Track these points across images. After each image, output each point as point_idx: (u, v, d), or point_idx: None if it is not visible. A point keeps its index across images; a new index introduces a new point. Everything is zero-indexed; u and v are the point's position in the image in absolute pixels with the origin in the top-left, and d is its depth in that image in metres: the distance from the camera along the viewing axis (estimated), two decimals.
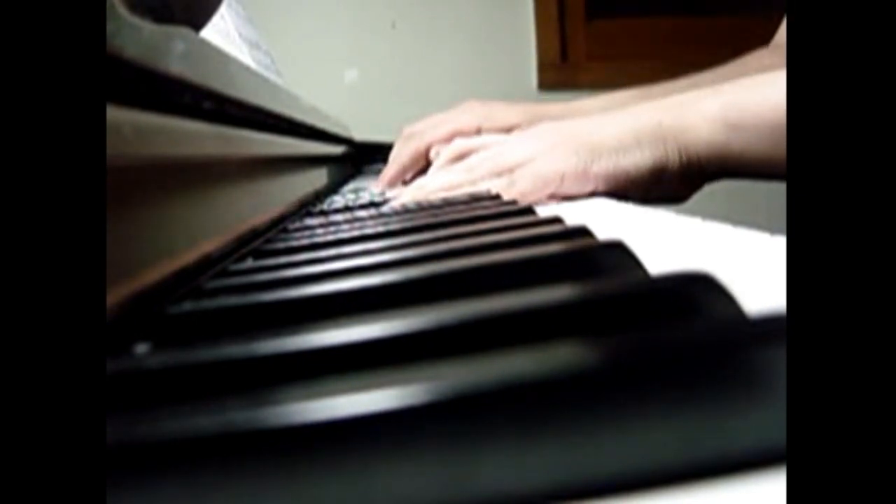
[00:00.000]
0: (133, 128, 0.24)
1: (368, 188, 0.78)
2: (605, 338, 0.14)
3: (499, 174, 0.53)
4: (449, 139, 0.72)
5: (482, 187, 0.53)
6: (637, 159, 0.50)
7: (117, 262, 0.22)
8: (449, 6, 1.78)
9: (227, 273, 0.31)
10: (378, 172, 1.27)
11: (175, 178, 0.29)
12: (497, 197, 0.50)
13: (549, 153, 0.51)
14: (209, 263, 0.31)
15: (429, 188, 0.55)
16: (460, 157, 0.60)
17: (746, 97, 0.49)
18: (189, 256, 0.29)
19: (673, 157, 0.50)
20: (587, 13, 1.81)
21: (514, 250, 0.25)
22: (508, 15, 1.77)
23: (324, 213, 0.55)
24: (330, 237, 0.38)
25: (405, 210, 0.48)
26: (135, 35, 0.24)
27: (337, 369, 0.16)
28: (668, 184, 0.52)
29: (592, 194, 0.51)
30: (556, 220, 0.33)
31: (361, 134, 1.29)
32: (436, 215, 0.41)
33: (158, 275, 0.25)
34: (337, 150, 0.97)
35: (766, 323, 0.13)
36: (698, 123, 0.50)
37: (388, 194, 0.61)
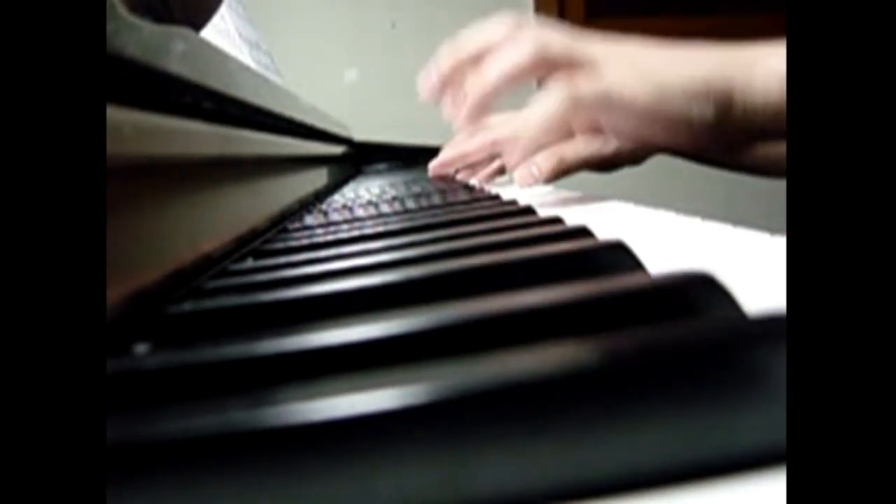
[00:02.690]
0: (133, 128, 0.24)
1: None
2: (605, 338, 0.14)
3: (566, 57, 0.48)
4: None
5: (550, 51, 0.47)
6: (702, 109, 0.47)
7: (117, 262, 0.22)
8: (449, 6, 1.78)
9: (227, 273, 0.31)
10: (378, 172, 1.28)
11: (175, 178, 0.29)
12: (497, 197, 0.50)
13: (620, 72, 0.47)
14: (209, 263, 0.31)
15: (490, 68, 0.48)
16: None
17: None
18: (189, 256, 0.29)
19: (736, 113, 0.48)
20: (587, 13, 1.81)
21: (514, 250, 0.25)
22: (508, 15, 1.77)
23: (324, 213, 0.55)
24: (330, 237, 0.38)
25: (405, 210, 0.48)
26: (135, 35, 0.24)
27: (337, 369, 0.16)
28: (727, 137, 0.49)
29: (645, 141, 0.49)
30: (557, 220, 0.33)
31: (361, 134, 1.29)
32: (436, 215, 0.41)
33: (158, 275, 0.25)
34: (337, 150, 0.97)
35: (766, 323, 0.13)
36: (767, 83, 0.47)
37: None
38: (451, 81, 0.53)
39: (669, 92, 0.47)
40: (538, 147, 0.52)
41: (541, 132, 0.49)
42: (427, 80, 0.54)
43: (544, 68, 0.48)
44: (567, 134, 0.54)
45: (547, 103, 0.47)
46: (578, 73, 0.47)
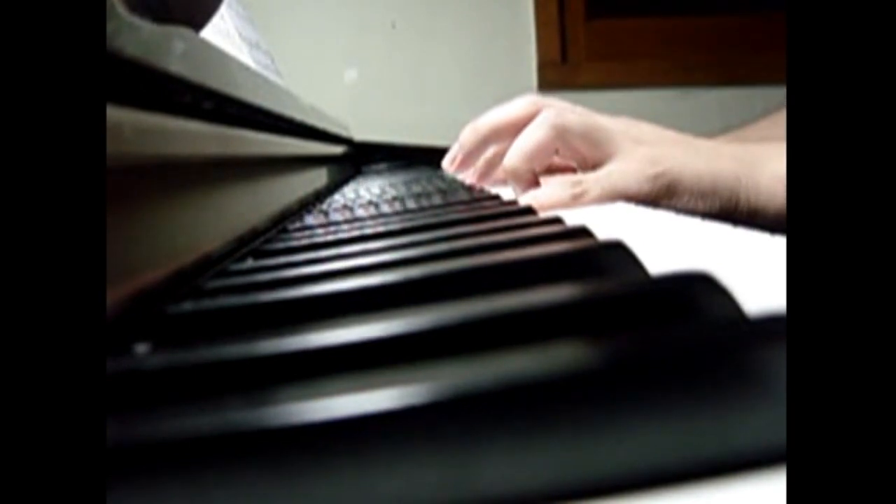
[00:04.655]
0: (133, 128, 0.24)
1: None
2: (605, 338, 0.14)
3: (584, 141, 0.51)
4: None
5: (569, 131, 0.50)
6: (707, 207, 0.50)
7: (117, 262, 0.22)
8: (449, 6, 1.78)
9: (227, 273, 0.31)
10: (378, 172, 1.28)
11: (175, 178, 0.29)
12: (497, 197, 0.50)
13: (631, 164, 0.49)
14: (209, 263, 0.31)
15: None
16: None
17: None
18: (189, 256, 0.29)
19: (740, 214, 0.50)
20: (587, 13, 1.81)
21: (514, 250, 0.25)
22: (508, 15, 1.78)
23: (324, 213, 0.55)
24: (330, 237, 0.38)
25: (405, 210, 0.48)
26: (135, 35, 0.24)
27: (337, 369, 0.16)
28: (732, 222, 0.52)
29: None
30: (557, 220, 0.33)
31: (361, 134, 1.29)
32: (436, 215, 0.41)
33: (158, 275, 0.25)
34: (337, 150, 0.97)
35: (766, 323, 0.13)
36: (773, 187, 0.50)
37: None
38: (471, 157, 0.60)
39: (678, 189, 0.49)
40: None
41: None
42: (451, 156, 0.61)
43: (563, 146, 0.52)
44: None
45: (553, 192, 0.49)
46: (588, 159, 0.51)
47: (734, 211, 0.50)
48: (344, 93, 1.76)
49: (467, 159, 0.60)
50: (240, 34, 0.80)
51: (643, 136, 0.52)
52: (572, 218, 0.34)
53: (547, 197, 0.49)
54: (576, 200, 0.49)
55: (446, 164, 0.61)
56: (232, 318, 0.22)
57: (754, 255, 0.25)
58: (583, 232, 0.28)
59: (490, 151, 0.61)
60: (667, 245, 0.29)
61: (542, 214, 0.37)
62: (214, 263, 0.32)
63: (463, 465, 0.12)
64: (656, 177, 0.49)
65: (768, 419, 0.12)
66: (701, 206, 0.50)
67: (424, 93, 1.75)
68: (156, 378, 0.16)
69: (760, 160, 0.52)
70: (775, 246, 0.26)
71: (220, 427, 0.12)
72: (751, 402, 0.12)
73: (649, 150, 0.51)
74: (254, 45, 0.86)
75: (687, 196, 0.50)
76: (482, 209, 0.42)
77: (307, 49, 1.75)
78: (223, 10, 0.72)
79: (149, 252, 0.25)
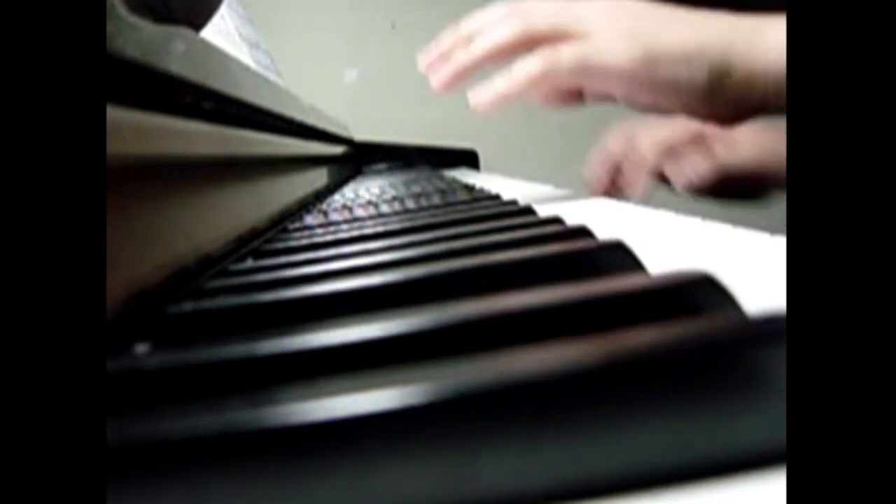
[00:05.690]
0: (133, 128, 0.24)
1: None
2: (605, 338, 0.14)
3: (552, 29, 0.48)
4: None
5: (533, 28, 0.48)
6: (693, 73, 0.47)
7: (117, 262, 0.22)
8: (449, 6, 1.77)
9: (227, 273, 0.31)
10: (378, 172, 1.28)
11: (175, 178, 0.29)
12: (497, 197, 0.50)
13: (608, 37, 0.47)
14: (209, 263, 0.31)
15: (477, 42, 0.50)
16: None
17: None
18: (189, 256, 0.29)
19: (733, 81, 0.47)
20: None
21: (514, 250, 0.25)
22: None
23: (324, 213, 0.55)
24: (330, 237, 0.38)
25: (405, 210, 0.48)
26: (135, 35, 0.24)
27: (337, 369, 0.16)
28: (719, 104, 0.48)
29: (630, 101, 0.48)
30: (556, 220, 0.33)
31: (361, 134, 1.29)
32: (435, 215, 0.41)
33: (158, 275, 0.25)
34: (337, 150, 0.97)
35: (766, 323, 0.13)
36: (772, 54, 0.46)
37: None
38: (447, 58, 0.55)
39: (658, 55, 0.46)
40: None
41: (522, 89, 0.49)
42: (427, 56, 0.56)
43: (529, 43, 0.49)
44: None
45: (524, 65, 0.48)
46: (563, 41, 0.48)
47: (727, 79, 0.47)
48: (344, 93, 1.76)
49: (442, 58, 0.56)
50: (240, 34, 0.80)
51: (623, 10, 0.50)
52: (572, 218, 0.34)
53: (518, 73, 0.47)
54: (546, 73, 0.46)
55: (421, 63, 0.57)
56: (232, 318, 0.22)
57: (754, 255, 0.25)
58: (583, 232, 0.28)
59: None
60: (667, 245, 0.29)
61: (542, 214, 0.37)
62: (214, 263, 0.32)
63: (463, 465, 0.12)
64: (637, 42, 0.46)
65: (768, 419, 0.12)
66: (686, 71, 0.46)
67: (424, 93, 1.75)
68: (156, 378, 0.16)
69: (759, 27, 0.48)
70: (775, 246, 0.26)
71: (221, 427, 0.12)
72: (751, 402, 0.12)
73: (626, 22, 0.48)
74: (254, 45, 0.86)
75: (669, 62, 0.46)
76: (482, 209, 0.42)
77: (307, 49, 1.75)
78: (223, 10, 0.72)
79: (149, 252, 0.25)
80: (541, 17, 0.49)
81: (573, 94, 0.54)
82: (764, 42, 0.47)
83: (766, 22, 0.48)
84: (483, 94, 0.50)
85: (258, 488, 0.12)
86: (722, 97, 0.48)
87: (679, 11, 0.50)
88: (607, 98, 0.52)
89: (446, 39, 0.55)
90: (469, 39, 0.53)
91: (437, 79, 0.53)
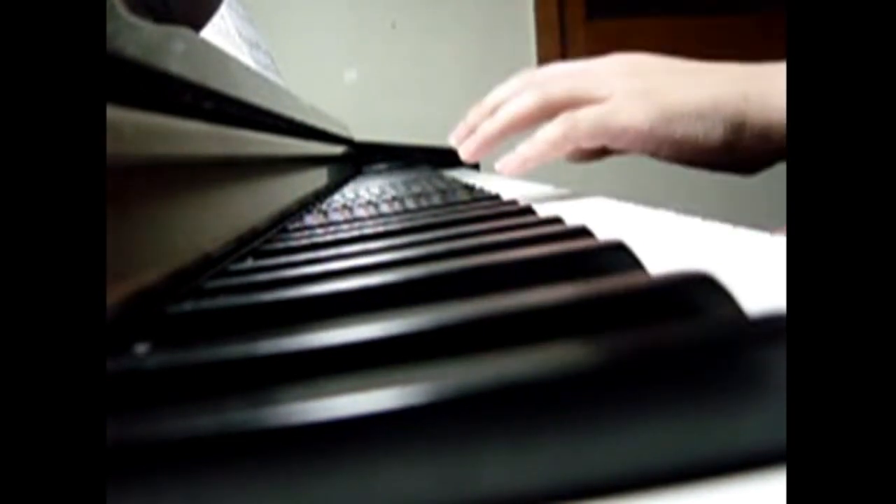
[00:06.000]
0: (133, 128, 0.24)
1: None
2: (605, 338, 0.14)
3: (570, 95, 0.50)
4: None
5: (551, 97, 0.50)
6: (709, 129, 0.48)
7: (117, 262, 0.22)
8: (449, 6, 1.78)
9: (227, 273, 0.31)
10: (378, 172, 1.28)
11: (175, 178, 0.29)
12: (497, 197, 0.50)
13: (624, 98, 0.48)
14: (209, 263, 0.31)
15: (501, 111, 0.52)
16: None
17: None
18: (189, 256, 0.29)
19: (750, 132, 0.48)
20: (587, 13, 1.81)
21: (514, 250, 0.25)
22: (508, 15, 1.78)
23: (324, 213, 0.55)
24: (330, 237, 0.38)
25: (405, 210, 0.48)
26: (135, 35, 0.24)
27: (337, 369, 0.16)
28: (739, 155, 0.49)
29: (654, 155, 0.49)
30: (557, 220, 0.33)
31: (361, 134, 1.29)
32: (436, 215, 0.41)
33: (158, 275, 0.25)
34: (337, 150, 0.97)
35: (766, 323, 0.13)
36: (784, 100, 0.47)
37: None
38: (473, 130, 0.58)
39: (674, 114, 0.48)
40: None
41: (545, 153, 0.51)
42: (456, 133, 0.60)
43: (549, 110, 0.51)
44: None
45: (545, 131, 0.50)
46: (581, 105, 0.50)
47: (743, 131, 0.48)
48: (344, 93, 1.76)
49: (468, 132, 0.59)
50: (240, 34, 0.80)
51: (638, 69, 0.51)
52: (572, 218, 0.34)
53: (540, 138, 0.48)
54: (567, 136, 0.48)
55: (452, 139, 0.61)
56: (232, 318, 0.22)
57: (754, 255, 0.25)
58: (583, 232, 0.28)
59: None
60: (667, 245, 0.29)
61: (542, 214, 0.37)
62: (214, 263, 0.32)
63: (463, 465, 0.12)
64: (652, 102, 0.48)
65: (768, 419, 0.12)
66: (701, 128, 0.47)
67: (425, 93, 1.75)
68: (156, 378, 0.16)
69: (771, 74, 0.49)
70: (775, 246, 0.26)
71: (220, 427, 0.12)
72: (751, 402, 0.12)
73: (641, 82, 0.49)
74: (254, 45, 0.86)
75: (685, 120, 0.47)
76: (482, 209, 0.42)
77: (307, 49, 1.75)
78: (223, 10, 0.72)
79: (149, 252, 0.25)
80: (558, 84, 0.51)
81: (596, 151, 0.56)
82: (778, 89, 0.48)
83: (777, 68, 0.49)
84: (510, 161, 0.52)
85: (258, 488, 0.12)
86: (740, 148, 0.49)
87: (692, 64, 0.51)
88: (629, 153, 0.54)
89: (472, 115, 0.58)
90: (492, 112, 0.55)
91: (465, 150, 0.56)
